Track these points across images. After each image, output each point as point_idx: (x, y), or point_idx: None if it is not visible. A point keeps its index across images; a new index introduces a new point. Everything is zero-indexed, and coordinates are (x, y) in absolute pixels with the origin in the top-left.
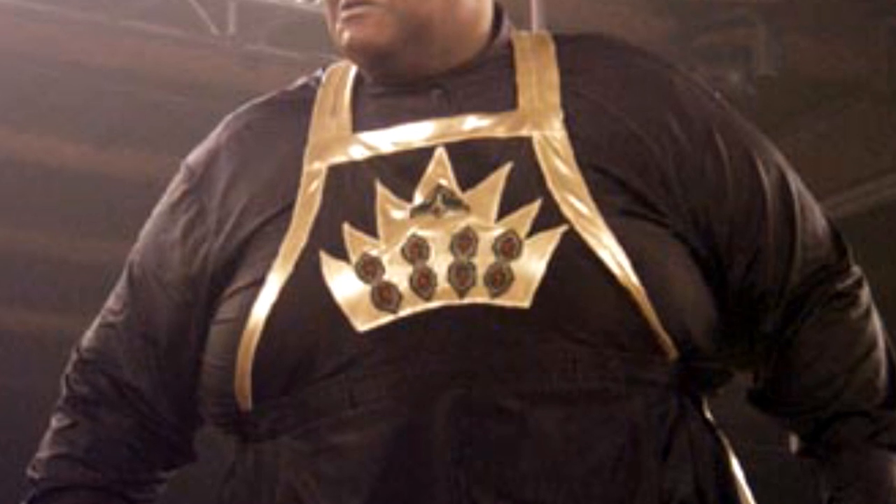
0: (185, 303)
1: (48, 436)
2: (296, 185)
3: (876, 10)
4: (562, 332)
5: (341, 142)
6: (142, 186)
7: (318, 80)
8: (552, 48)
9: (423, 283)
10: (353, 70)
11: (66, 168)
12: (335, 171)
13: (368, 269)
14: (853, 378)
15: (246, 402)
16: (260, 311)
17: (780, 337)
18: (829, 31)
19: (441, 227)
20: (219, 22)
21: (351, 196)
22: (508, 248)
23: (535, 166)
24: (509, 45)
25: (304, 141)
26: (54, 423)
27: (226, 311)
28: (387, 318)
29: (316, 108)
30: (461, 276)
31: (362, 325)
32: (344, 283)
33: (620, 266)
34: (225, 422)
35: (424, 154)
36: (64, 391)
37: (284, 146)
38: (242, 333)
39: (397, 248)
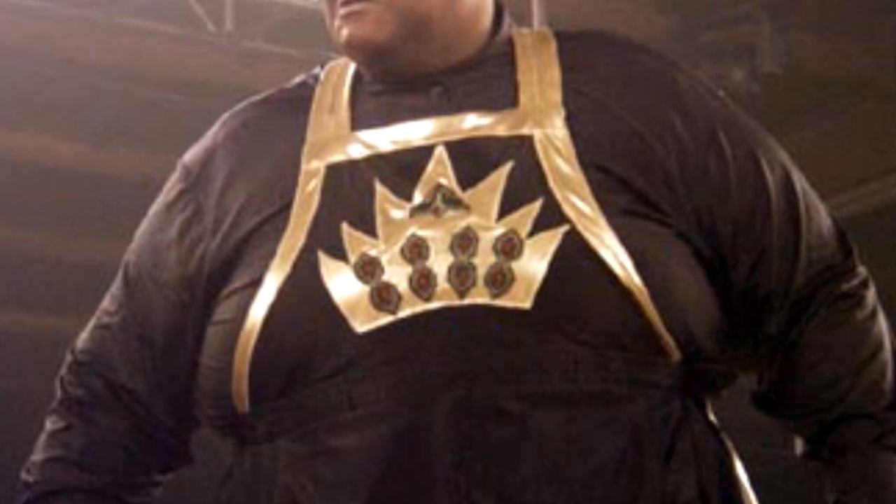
0: (182, 303)
1: (42, 438)
2: (294, 185)
3: (881, 7)
4: (563, 332)
5: (340, 140)
6: (138, 185)
7: (316, 78)
8: (553, 45)
9: (422, 283)
10: (352, 67)
11: (61, 167)
12: (333, 171)
13: (367, 269)
14: (859, 380)
15: (243, 404)
16: (257, 311)
17: (785, 338)
18: (835, 29)
19: (441, 227)
20: (216, 19)
21: (350, 195)
22: (509, 248)
23: (537, 165)
24: (510, 43)
25: (302, 139)
26: (49, 425)
27: (223, 311)
28: (386, 319)
29: (314, 107)
30: (461, 276)
31: (361, 325)
32: (342, 284)
33: (623, 266)
34: (222, 424)
35: (424, 153)
36: (58, 393)
37: (282, 145)
38: (239, 335)
39: (396, 248)
